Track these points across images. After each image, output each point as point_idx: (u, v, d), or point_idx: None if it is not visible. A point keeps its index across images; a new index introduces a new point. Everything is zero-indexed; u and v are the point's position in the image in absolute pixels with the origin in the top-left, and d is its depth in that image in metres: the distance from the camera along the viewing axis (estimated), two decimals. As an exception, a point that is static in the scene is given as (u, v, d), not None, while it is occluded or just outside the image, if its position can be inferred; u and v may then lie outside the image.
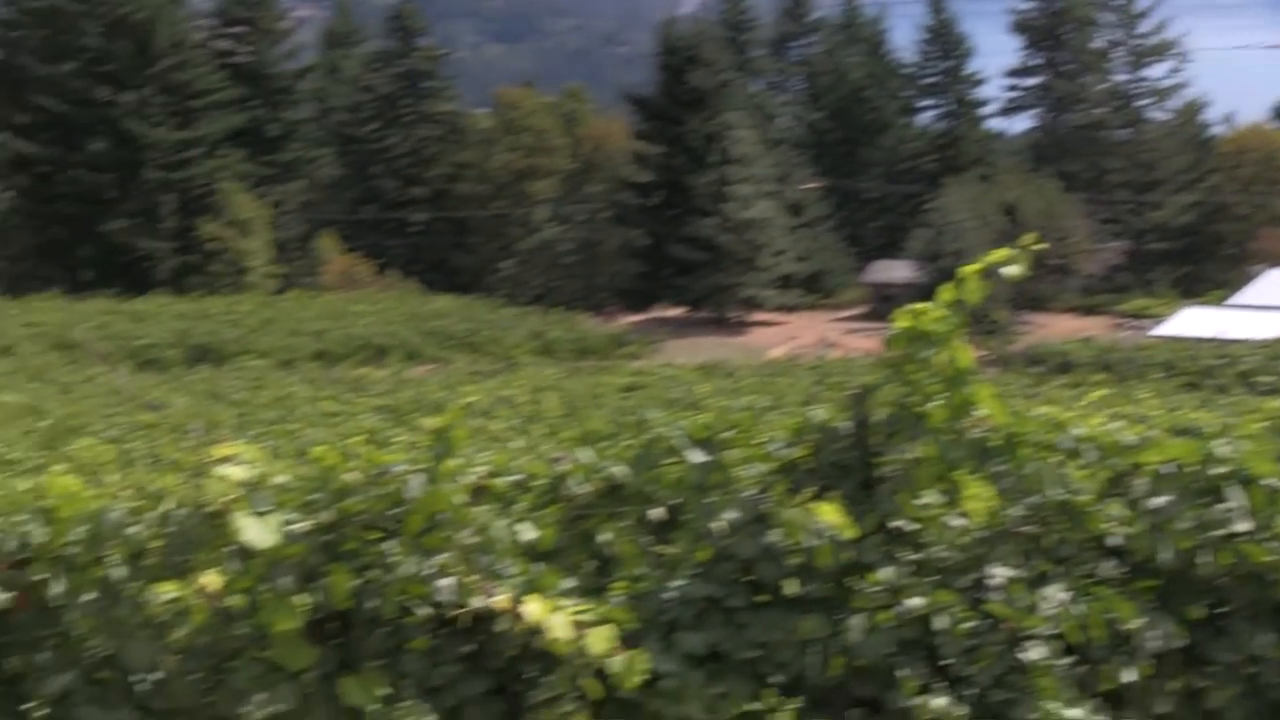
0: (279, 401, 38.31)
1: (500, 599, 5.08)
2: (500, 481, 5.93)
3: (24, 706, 5.25)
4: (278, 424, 28.70)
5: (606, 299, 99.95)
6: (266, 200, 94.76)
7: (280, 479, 5.27)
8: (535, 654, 5.09)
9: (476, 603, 5.09)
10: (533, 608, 5.05)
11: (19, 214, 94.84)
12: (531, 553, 5.44)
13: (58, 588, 5.20)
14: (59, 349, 61.30)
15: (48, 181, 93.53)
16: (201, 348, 63.84)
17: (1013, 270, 5.49)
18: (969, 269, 5.48)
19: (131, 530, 5.23)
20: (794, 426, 5.70)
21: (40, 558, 5.23)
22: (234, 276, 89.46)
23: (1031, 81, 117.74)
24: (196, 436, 23.75)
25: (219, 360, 60.26)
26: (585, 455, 5.91)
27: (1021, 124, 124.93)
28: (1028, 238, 5.52)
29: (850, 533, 5.25)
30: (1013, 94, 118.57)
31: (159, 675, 5.17)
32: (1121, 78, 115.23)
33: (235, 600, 5.10)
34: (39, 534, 5.24)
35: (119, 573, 5.15)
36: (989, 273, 5.46)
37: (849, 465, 5.52)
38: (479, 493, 5.69)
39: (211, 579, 5.06)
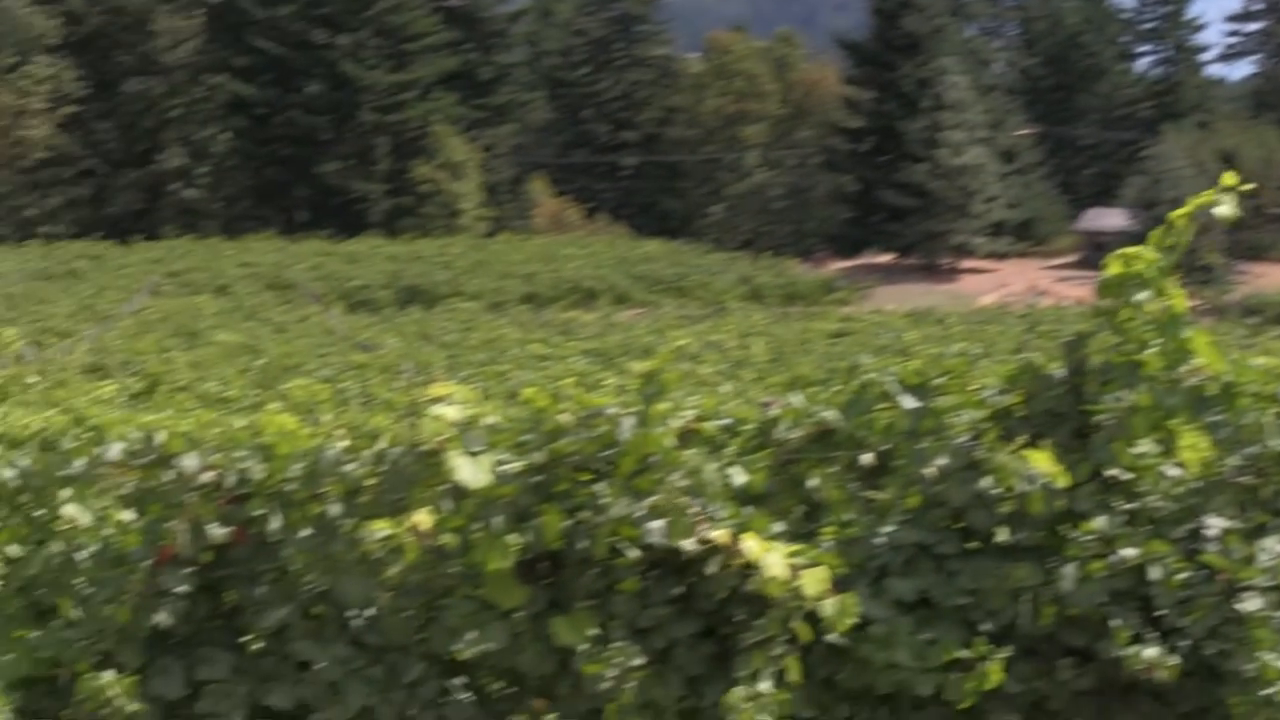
0: (489, 343, 38.63)
1: (719, 533, 5.09)
2: (709, 425, 5.93)
3: (242, 639, 5.34)
4: (487, 366, 28.94)
5: (815, 244, 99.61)
6: (478, 143, 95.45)
7: (491, 420, 5.31)
8: (746, 597, 5.09)
9: (692, 540, 5.09)
10: (751, 544, 5.05)
11: (237, 155, 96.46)
12: (742, 496, 5.44)
13: (275, 523, 5.28)
14: (274, 289, 62.29)
15: (265, 124, 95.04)
16: (413, 289, 64.46)
17: (1223, 210, 5.38)
18: (1179, 212, 5.38)
19: (347, 468, 5.29)
20: (1008, 373, 5.63)
21: (258, 493, 5.32)
22: (446, 219, 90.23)
23: (1253, 27, 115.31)
24: (408, 377, 24.02)
25: (430, 302, 60.78)
26: (796, 400, 5.88)
27: (1242, 70, 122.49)
28: (1234, 179, 5.41)
29: (1063, 481, 5.18)
30: (1233, 39, 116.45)
31: (373, 611, 5.25)
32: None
33: (447, 539, 5.15)
34: (258, 470, 5.32)
35: (335, 509, 5.22)
36: (1199, 215, 5.36)
37: (1063, 413, 5.45)
38: (688, 436, 5.70)
39: (423, 518, 5.12)
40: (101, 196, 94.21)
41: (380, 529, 5.17)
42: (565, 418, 5.31)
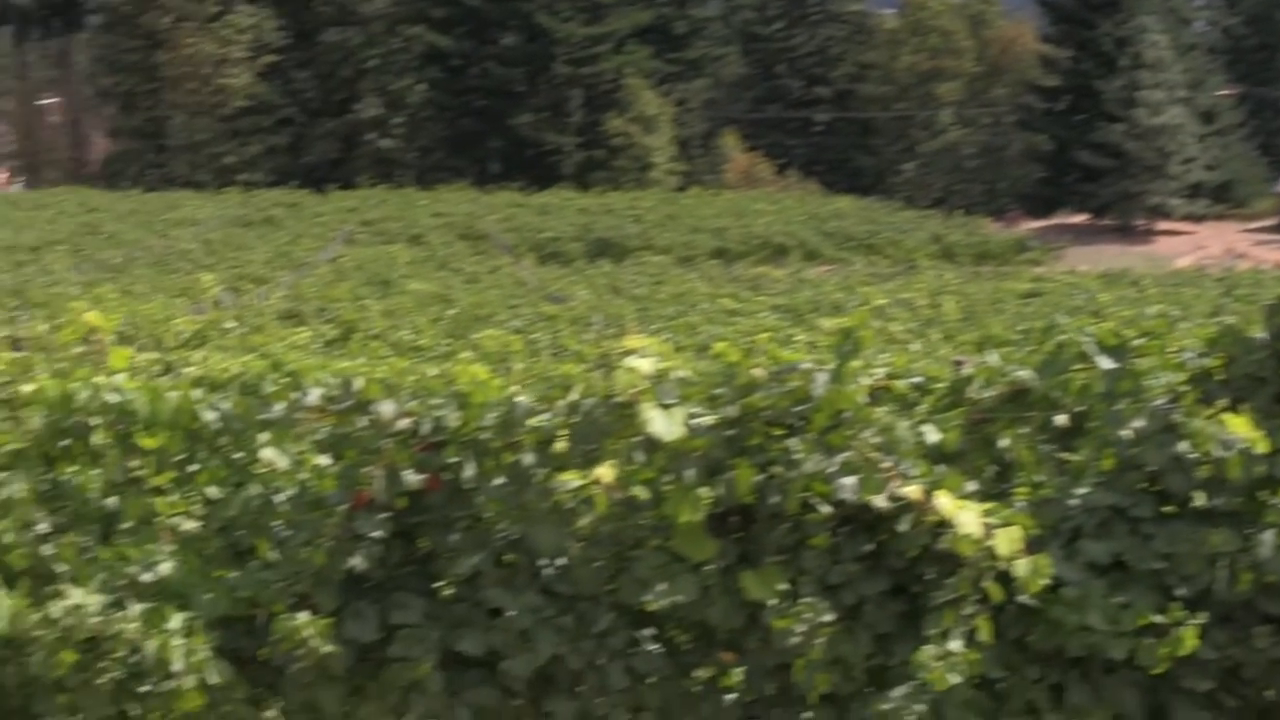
0: (678, 297, 38.66)
1: (912, 490, 5.07)
2: (900, 383, 5.91)
3: (434, 585, 5.41)
4: (677, 319, 28.98)
5: (1008, 204, 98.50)
6: (671, 97, 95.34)
7: (683, 373, 5.32)
8: (937, 555, 5.07)
9: (884, 497, 5.08)
10: (944, 502, 5.02)
11: (432, 106, 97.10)
12: (934, 455, 5.41)
13: (469, 471, 5.34)
14: (466, 239, 62.68)
15: (460, 75, 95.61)
16: (603, 242, 64.56)
17: None
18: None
19: (540, 418, 5.33)
20: (1207, 336, 5.55)
21: (453, 441, 5.38)
22: (637, 172, 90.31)
23: None
24: (597, 330, 24.12)
25: (620, 255, 60.84)
26: (991, 359, 5.84)
27: None
28: None
29: (1263, 446, 5.10)
30: None
31: (564, 561, 5.29)
32: None
33: (639, 491, 5.18)
34: (453, 418, 5.38)
35: (528, 459, 5.26)
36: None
37: (1264, 377, 5.36)
38: (878, 393, 5.68)
39: (607, 471, 5.15)
40: (299, 145, 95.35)
41: (572, 479, 5.21)
42: (758, 372, 5.31)
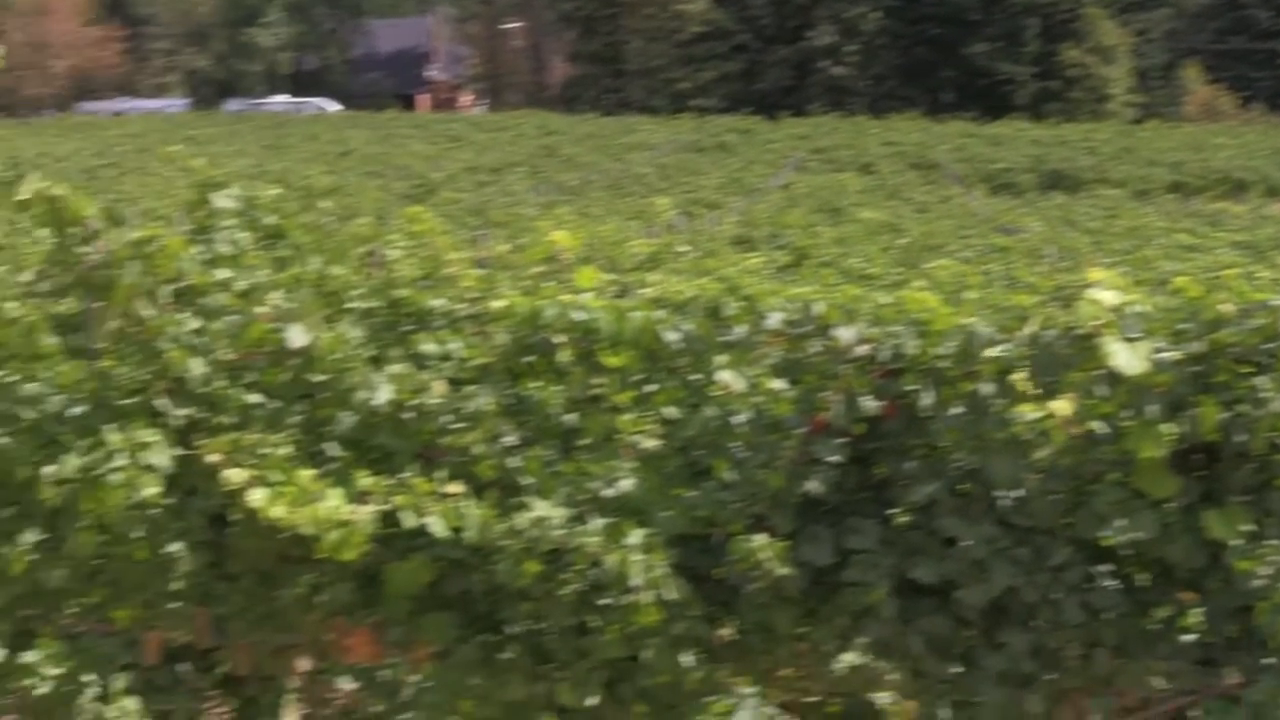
0: (1132, 231, 37.80)
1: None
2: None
3: (889, 512, 5.43)
4: (1132, 254, 28.37)
5: None
6: (1130, 28, 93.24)
7: (1142, 308, 5.22)
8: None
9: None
10: None
11: (885, 35, 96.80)
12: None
13: (927, 399, 5.33)
14: (917, 169, 62.37)
15: (914, 3, 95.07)
16: (1056, 174, 63.53)
17: None
18: None
19: (999, 348, 5.29)
20: None
21: (912, 369, 5.37)
22: (1093, 104, 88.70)
23: None
24: (1050, 262, 23.76)
25: (1073, 188, 59.82)
26: None
27: None
28: None
29: None
30: None
31: (1021, 493, 5.25)
32: None
33: (1097, 425, 5.11)
34: (912, 345, 5.38)
35: (987, 389, 5.23)
36: None
37: None
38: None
39: (1066, 404, 5.09)
40: (752, 72, 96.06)
41: (1030, 411, 5.17)
42: (1226, 308, 5.18)
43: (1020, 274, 19.45)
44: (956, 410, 5.27)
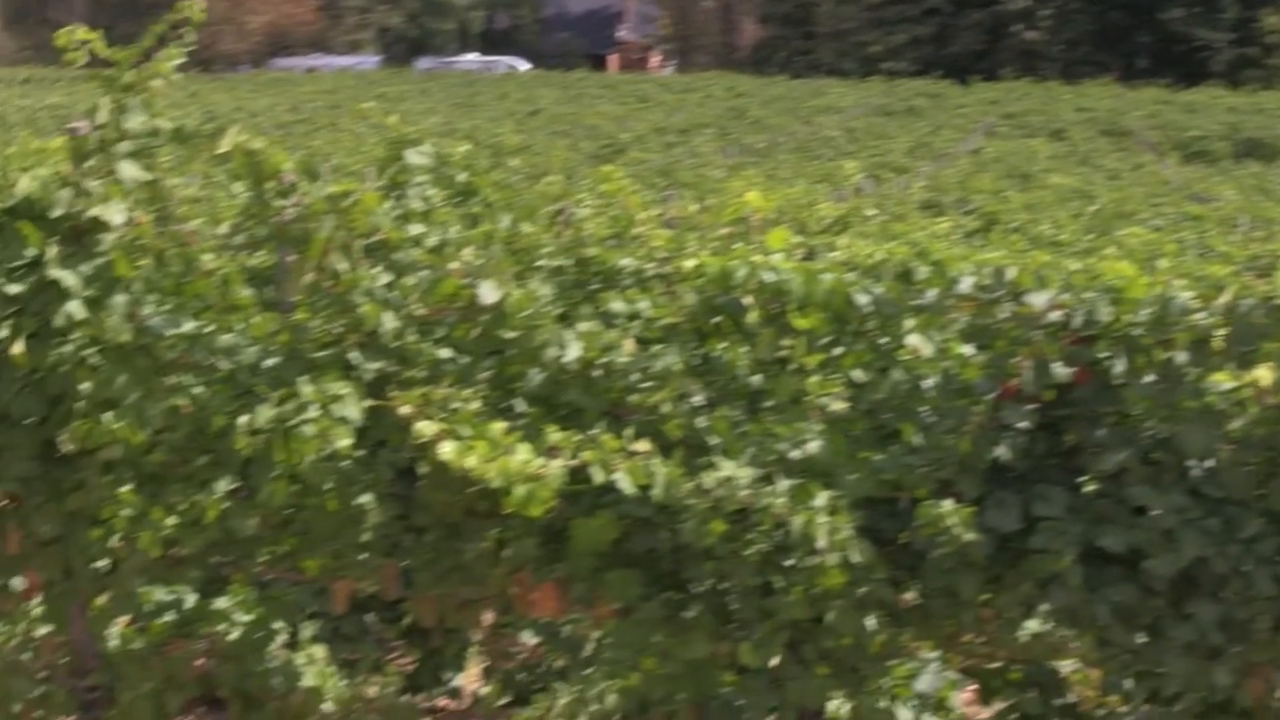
0: (1331, 201, 37.11)
1: None
2: None
3: (1078, 479, 5.38)
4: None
5: None
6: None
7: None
8: None
9: None
10: None
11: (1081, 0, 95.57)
12: None
13: (1119, 366, 5.27)
14: (1108, 135, 61.55)
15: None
16: (1252, 142, 62.35)
17: None
18: None
19: (1196, 317, 5.22)
20: None
21: (1105, 336, 5.32)
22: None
23: None
24: (1245, 232, 23.36)
25: (1269, 157, 58.72)
26: None
27: None
28: None
29: None
30: None
31: (1212, 463, 5.18)
32: None
33: (1293, 396, 5.04)
34: (1105, 312, 5.32)
35: (1181, 357, 5.17)
36: None
37: None
38: None
39: (1265, 374, 5.02)
40: (943, 35, 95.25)
41: (1225, 381, 5.10)
42: None
43: (1214, 243, 19.14)
44: (1149, 378, 5.21)
